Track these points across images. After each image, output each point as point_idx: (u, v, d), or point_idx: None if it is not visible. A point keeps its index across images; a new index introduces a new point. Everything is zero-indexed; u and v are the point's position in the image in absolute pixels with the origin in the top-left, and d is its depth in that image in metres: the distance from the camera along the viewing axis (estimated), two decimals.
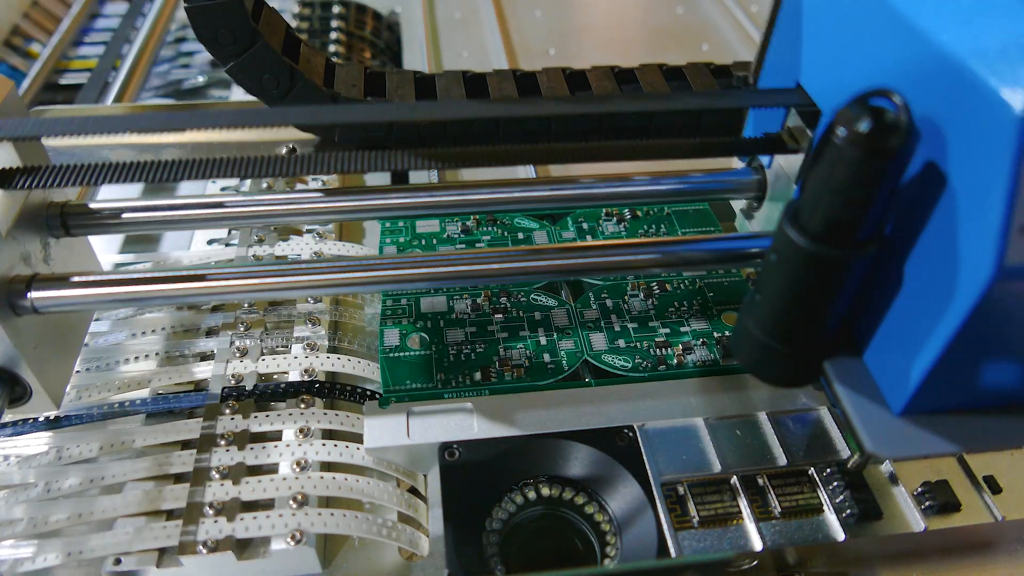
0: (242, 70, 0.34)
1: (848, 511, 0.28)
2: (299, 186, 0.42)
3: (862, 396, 0.24)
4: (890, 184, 0.20)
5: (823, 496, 0.29)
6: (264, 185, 0.41)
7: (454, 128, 0.40)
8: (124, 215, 0.30)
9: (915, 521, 0.28)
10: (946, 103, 0.20)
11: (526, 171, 0.45)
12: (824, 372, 0.25)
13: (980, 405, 0.23)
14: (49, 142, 0.30)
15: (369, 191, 0.32)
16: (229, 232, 0.40)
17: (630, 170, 0.33)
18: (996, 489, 0.30)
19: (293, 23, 0.56)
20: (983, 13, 0.21)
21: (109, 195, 0.40)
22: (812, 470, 0.30)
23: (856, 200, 0.20)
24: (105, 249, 0.39)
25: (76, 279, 0.28)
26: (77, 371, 0.33)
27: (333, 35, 0.55)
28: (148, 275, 0.28)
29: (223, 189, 0.42)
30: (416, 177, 0.44)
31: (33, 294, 0.27)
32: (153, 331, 0.35)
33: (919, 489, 0.29)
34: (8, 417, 0.29)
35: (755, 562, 0.28)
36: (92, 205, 0.30)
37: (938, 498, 0.29)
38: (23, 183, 0.26)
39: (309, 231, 0.40)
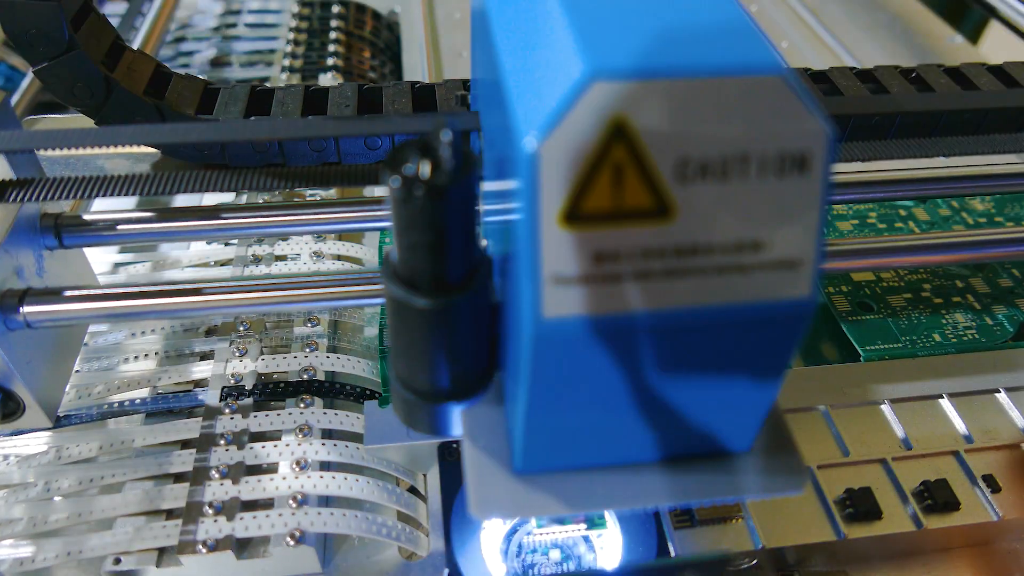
0: (52, 76, 0.32)
1: (848, 509, 0.28)
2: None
3: (484, 452, 0.21)
4: (455, 225, 0.17)
5: (823, 495, 0.29)
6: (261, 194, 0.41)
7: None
8: (119, 227, 0.30)
9: (915, 520, 0.28)
10: (503, 131, 0.17)
11: None
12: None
13: (603, 462, 0.21)
14: (43, 152, 0.30)
15: (369, 201, 0.32)
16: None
17: None
18: (995, 488, 0.30)
19: (292, 23, 0.56)
20: (533, 16, 0.18)
21: (104, 205, 0.40)
22: (812, 468, 0.30)
23: (423, 244, 0.18)
24: (104, 249, 0.39)
25: (70, 293, 0.28)
26: (77, 370, 0.33)
27: (332, 35, 0.55)
28: (143, 289, 0.28)
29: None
30: None
31: (26, 308, 0.27)
32: (153, 331, 0.35)
33: (918, 487, 0.29)
34: (2, 428, 0.29)
35: (754, 561, 0.28)
36: (87, 216, 0.30)
37: (937, 497, 0.29)
38: (16, 196, 0.26)
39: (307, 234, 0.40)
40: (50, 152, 0.30)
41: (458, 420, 0.22)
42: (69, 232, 0.30)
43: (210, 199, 0.40)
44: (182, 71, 0.36)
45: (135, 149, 0.37)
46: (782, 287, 0.17)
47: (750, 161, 0.15)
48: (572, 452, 0.20)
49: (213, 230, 0.31)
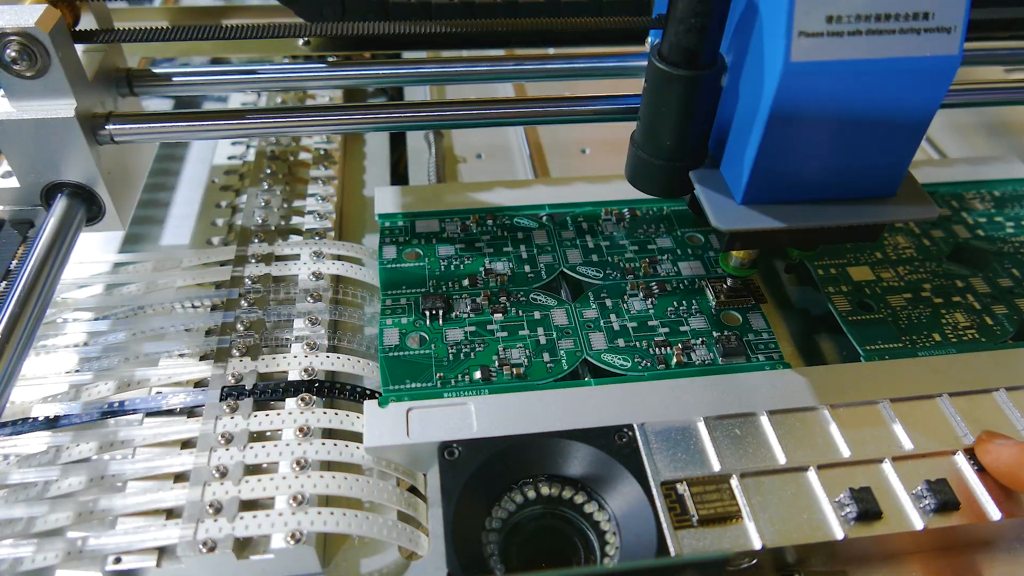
0: None
1: (848, 510, 0.28)
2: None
3: (715, 192, 0.30)
4: (720, 11, 0.27)
5: (823, 495, 0.29)
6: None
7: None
8: (174, 79, 0.38)
9: (915, 520, 0.28)
10: None
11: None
12: (690, 180, 0.31)
13: (803, 197, 0.29)
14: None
15: (377, 107, 0.38)
16: (228, 231, 0.40)
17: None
18: (996, 487, 0.30)
19: None
20: None
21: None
22: (812, 468, 0.30)
23: (694, 27, 0.27)
24: (104, 249, 0.39)
25: (144, 115, 0.35)
26: (78, 370, 0.33)
27: None
28: (197, 112, 0.39)
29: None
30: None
31: (110, 127, 0.34)
32: (153, 330, 0.35)
33: (918, 487, 0.29)
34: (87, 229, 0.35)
35: (754, 561, 0.28)
36: (153, 70, 0.38)
37: (937, 497, 0.29)
38: (102, 39, 0.33)
39: (309, 229, 0.41)
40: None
41: (693, 177, 0.31)
42: (138, 82, 0.37)
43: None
44: None
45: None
46: (942, 46, 0.26)
47: None
48: (777, 189, 0.29)
49: (252, 83, 0.39)
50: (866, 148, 0.28)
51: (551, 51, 0.41)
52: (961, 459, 0.30)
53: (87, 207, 0.34)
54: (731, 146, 0.30)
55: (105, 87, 0.35)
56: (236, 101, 0.51)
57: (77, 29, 0.33)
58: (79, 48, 0.32)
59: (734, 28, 0.28)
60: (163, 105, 0.52)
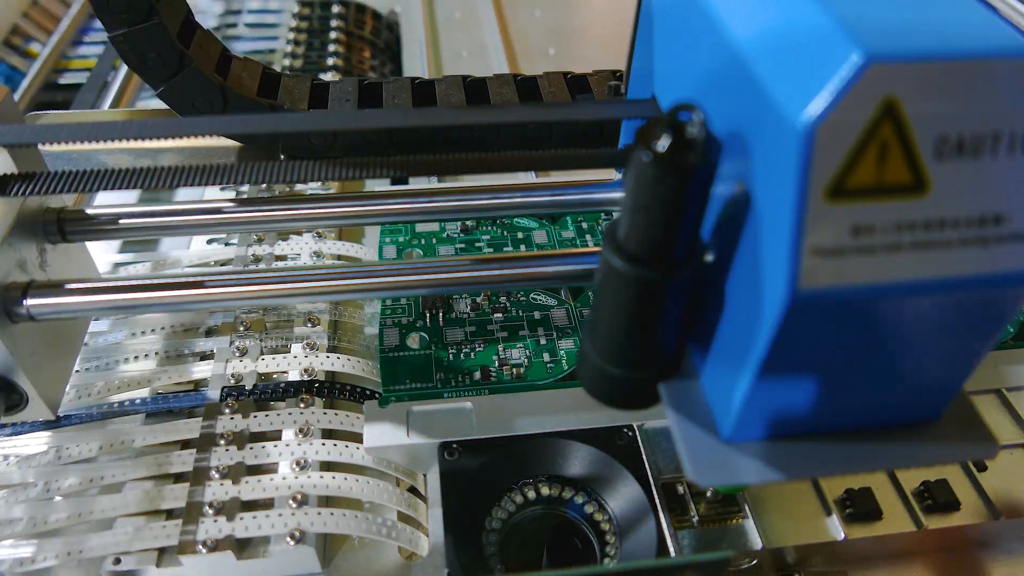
0: (128, 43, 0.32)
1: (848, 509, 0.28)
2: (299, 186, 0.42)
3: (691, 422, 0.22)
4: (695, 202, 0.19)
5: (824, 494, 0.29)
6: (263, 188, 0.41)
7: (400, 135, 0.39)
8: (121, 220, 0.30)
9: (914, 520, 0.28)
10: (746, 112, 0.19)
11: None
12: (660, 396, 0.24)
13: (809, 431, 0.22)
14: (45, 147, 0.30)
15: (368, 196, 0.32)
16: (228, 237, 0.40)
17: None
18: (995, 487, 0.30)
19: (292, 23, 0.56)
20: (775, 6, 0.19)
21: (106, 200, 0.40)
22: None
23: (661, 220, 0.19)
24: (104, 249, 0.39)
25: (72, 286, 0.28)
26: (76, 371, 0.33)
27: (332, 35, 0.55)
28: (145, 282, 0.28)
29: (223, 188, 0.42)
30: (416, 182, 0.43)
31: (29, 301, 0.27)
32: (153, 331, 0.35)
33: (918, 487, 0.29)
34: (6, 419, 0.29)
35: (754, 561, 0.28)
36: (89, 211, 0.30)
37: (937, 497, 0.29)
38: (18, 190, 0.26)
39: (309, 230, 0.40)
40: (52, 147, 0.29)
41: (663, 394, 0.23)
42: (72, 227, 0.30)
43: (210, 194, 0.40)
44: None
45: (140, 144, 0.37)
46: (1017, 260, 0.18)
47: (1001, 139, 0.17)
48: (780, 422, 0.21)
49: (216, 224, 0.31)
50: (902, 378, 0.21)
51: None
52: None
53: (5, 397, 0.28)
54: (714, 359, 0.22)
55: (26, 241, 0.28)
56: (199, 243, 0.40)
57: None
58: None
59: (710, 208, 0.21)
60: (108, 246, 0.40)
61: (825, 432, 0.22)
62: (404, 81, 0.40)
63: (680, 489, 0.29)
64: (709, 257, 0.21)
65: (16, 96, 0.50)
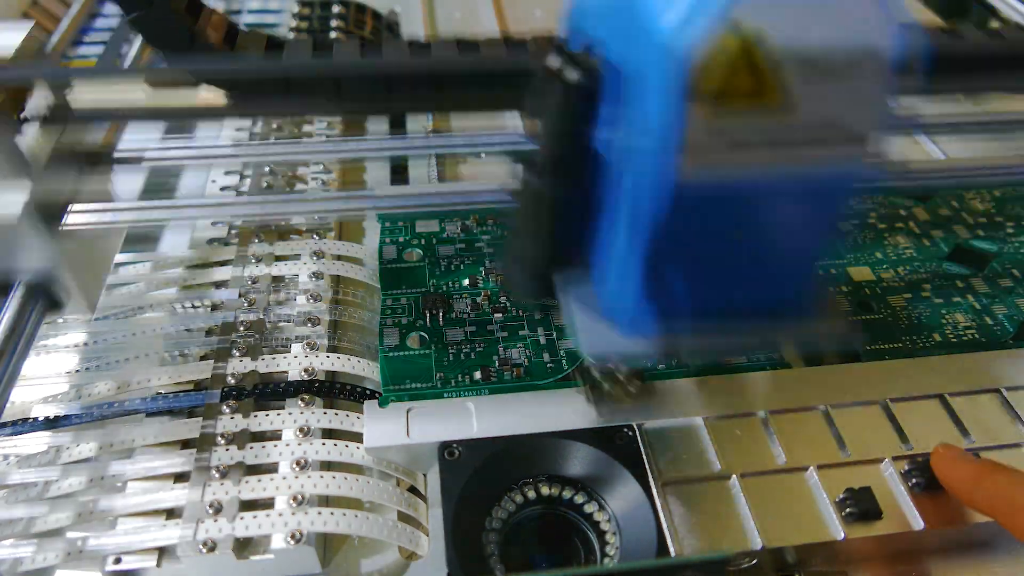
0: (143, 24, 0.33)
1: (848, 509, 0.28)
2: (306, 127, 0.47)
3: (584, 306, 0.27)
4: (588, 115, 0.23)
5: (823, 494, 0.29)
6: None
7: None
8: (145, 155, 0.35)
9: (914, 520, 0.28)
10: (626, 31, 0.22)
11: None
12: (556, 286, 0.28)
13: (691, 311, 0.25)
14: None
15: (371, 137, 0.38)
16: (229, 230, 0.40)
17: None
18: None
19: (292, 23, 0.56)
20: None
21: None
22: (812, 468, 0.30)
23: (555, 132, 0.23)
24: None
25: (103, 204, 0.33)
26: (78, 370, 0.33)
27: (332, 35, 0.55)
28: (167, 204, 0.35)
29: (237, 129, 0.46)
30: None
31: (69, 218, 0.32)
32: (153, 330, 0.35)
33: (914, 480, 0.29)
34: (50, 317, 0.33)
35: (754, 561, 0.28)
36: (117, 151, 0.35)
37: (926, 475, 0.29)
38: (55, 121, 0.31)
39: (309, 231, 0.40)
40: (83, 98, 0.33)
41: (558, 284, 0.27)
42: (101, 160, 0.34)
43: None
44: None
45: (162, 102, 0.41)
46: (850, 158, 0.22)
47: (836, 56, 0.20)
48: (661, 307, 0.25)
49: (230, 156, 0.38)
50: (765, 267, 0.25)
51: None
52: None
53: (47, 298, 0.31)
54: (605, 252, 0.26)
55: (63, 170, 0.32)
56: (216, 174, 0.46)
57: (23, 115, 0.30)
58: (32, 129, 0.30)
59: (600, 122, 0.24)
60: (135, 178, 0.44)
61: (703, 314, 0.25)
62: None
63: (680, 489, 0.29)
64: (602, 164, 0.24)
65: None
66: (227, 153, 0.38)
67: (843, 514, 0.29)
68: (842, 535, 0.28)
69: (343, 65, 0.31)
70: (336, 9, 0.58)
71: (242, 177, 0.44)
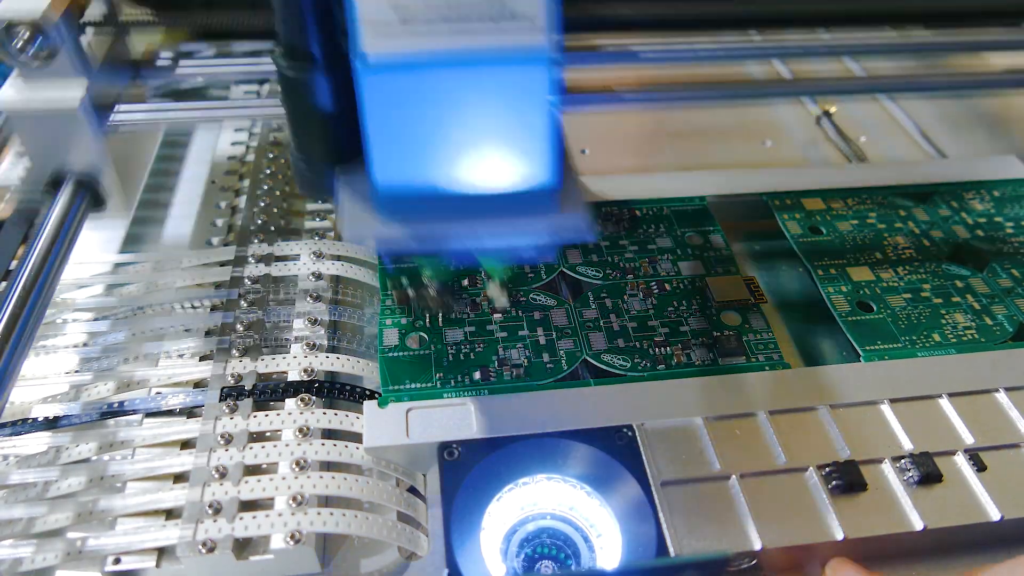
0: None
1: (834, 482, 0.29)
2: None
3: (356, 198, 0.26)
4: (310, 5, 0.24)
5: (823, 495, 0.29)
6: None
7: None
8: (180, 67, 0.39)
9: (914, 520, 0.28)
10: None
11: None
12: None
13: (449, 210, 0.26)
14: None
15: None
16: (228, 232, 0.40)
17: None
18: (996, 487, 0.30)
19: None
20: None
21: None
22: (812, 468, 0.30)
23: (286, 17, 0.24)
24: (104, 249, 0.39)
25: (150, 103, 0.37)
26: (77, 370, 0.33)
27: None
28: (198, 106, 0.39)
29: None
30: None
31: (117, 114, 0.35)
32: (152, 331, 0.35)
33: (904, 462, 0.30)
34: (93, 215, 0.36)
35: (754, 561, 0.28)
36: (160, 58, 0.39)
37: (921, 468, 0.29)
38: (110, 25, 0.35)
39: (309, 231, 0.40)
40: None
41: (341, 179, 0.27)
42: (144, 70, 0.38)
43: None
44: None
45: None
46: (521, 38, 0.22)
47: None
48: (412, 186, 0.25)
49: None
50: (491, 156, 0.25)
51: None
52: (961, 460, 0.30)
53: (92, 195, 0.35)
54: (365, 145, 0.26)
55: (112, 74, 0.36)
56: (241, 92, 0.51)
57: (83, 20, 0.34)
58: (87, 34, 0.34)
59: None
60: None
61: (458, 211, 0.26)
62: None
63: (680, 489, 0.29)
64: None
65: None
66: (254, 70, 0.40)
67: (828, 487, 0.29)
68: (842, 535, 0.28)
69: None
70: None
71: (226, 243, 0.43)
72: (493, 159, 0.25)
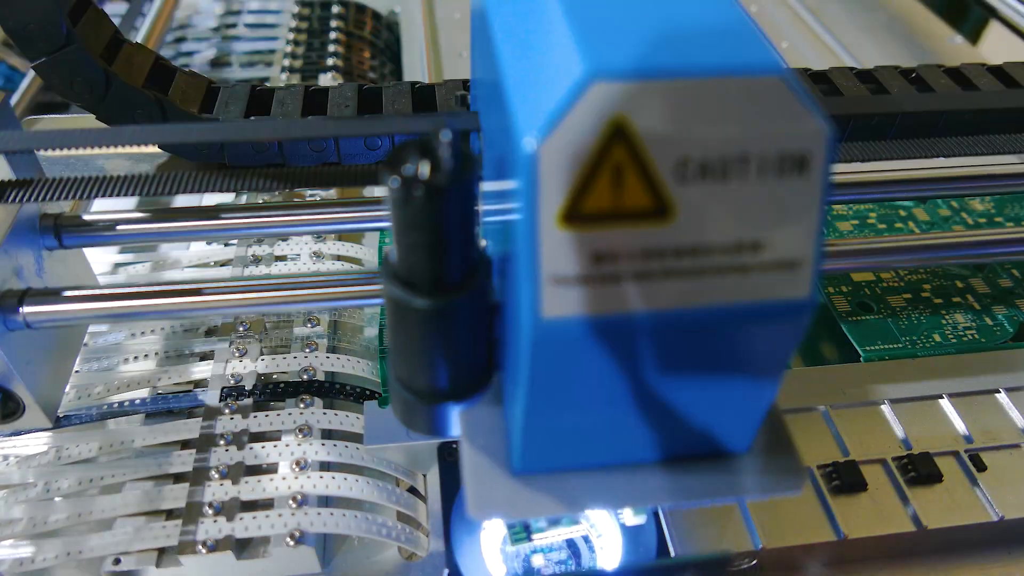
0: (50, 71, 0.30)
1: (834, 482, 0.29)
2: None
3: (483, 452, 0.21)
4: (455, 224, 0.17)
5: (823, 495, 0.29)
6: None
7: None
8: (119, 227, 0.30)
9: (914, 520, 0.28)
10: (504, 131, 0.17)
11: None
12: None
13: (604, 463, 0.21)
14: (42, 152, 0.30)
15: (369, 201, 0.32)
16: None
17: None
18: (996, 488, 0.30)
19: (292, 23, 0.56)
20: (535, 16, 0.18)
21: (104, 205, 0.40)
22: (812, 469, 0.30)
23: (422, 244, 0.18)
24: (103, 250, 0.39)
25: (69, 294, 0.28)
26: (77, 371, 0.33)
27: (332, 35, 0.55)
28: (142, 290, 0.28)
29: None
30: None
31: (25, 309, 0.27)
32: (152, 331, 0.35)
33: (904, 462, 0.30)
34: (2, 428, 0.30)
35: (754, 561, 0.28)
36: (86, 217, 0.30)
37: (921, 469, 0.30)
38: (15, 197, 0.26)
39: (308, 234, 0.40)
40: (50, 152, 0.30)
41: (456, 420, 0.22)
42: (69, 232, 0.30)
43: (210, 199, 0.40)
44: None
45: (135, 149, 0.37)
46: (781, 288, 0.17)
47: (750, 161, 0.15)
48: (571, 453, 0.20)
49: (212, 230, 0.31)
50: (688, 409, 0.20)
51: None
52: (961, 460, 0.30)
53: (1, 405, 0.28)
54: (507, 386, 0.21)
55: (23, 248, 0.28)
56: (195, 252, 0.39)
57: None
58: None
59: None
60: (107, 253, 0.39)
61: (622, 464, 0.21)
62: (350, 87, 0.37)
63: None
64: (496, 281, 0.20)
65: (16, 96, 0.50)
66: (216, 217, 0.31)
67: (828, 487, 0.29)
68: (841, 534, 0.28)
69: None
70: (336, 9, 0.58)
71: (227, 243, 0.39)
72: (697, 417, 0.20)
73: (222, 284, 0.28)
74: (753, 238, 0.16)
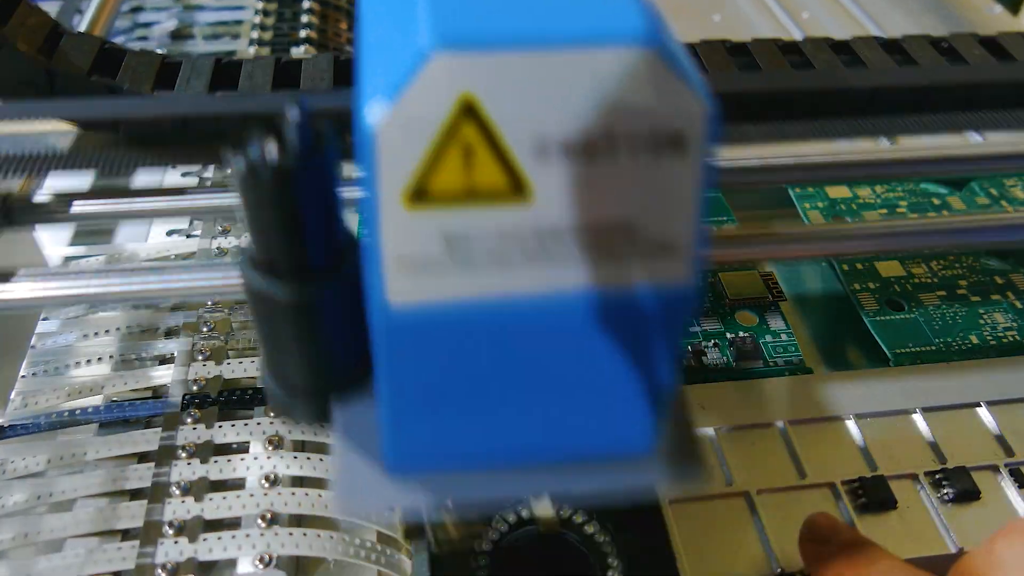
0: None
1: (861, 499, 0.29)
2: None
3: (355, 448, 0.21)
4: (309, 207, 0.18)
5: (847, 511, 0.29)
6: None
7: None
8: (73, 206, 0.30)
9: (949, 542, 0.28)
10: (356, 108, 0.17)
11: None
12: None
13: (489, 462, 0.20)
14: None
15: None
16: (191, 222, 0.40)
17: None
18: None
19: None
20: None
21: (57, 184, 0.40)
22: (835, 484, 0.30)
23: (267, 227, 0.18)
24: (54, 241, 0.39)
25: (21, 274, 0.28)
26: (23, 376, 0.33)
27: (305, 4, 0.54)
28: (99, 269, 0.28)
29: (184, 175, 0.41)
30: None
31: None
32: (107, 331, 0.34)
33: (937, 477, 0.30)
34: None
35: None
36: (38, 197, 0.30)
37: (957, 485, 0.30)
38: None
39: None
40: None
41: (334, 417, 0.22)
42: (19, 212, 0.30)
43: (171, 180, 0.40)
44: (139, 45, 0.36)
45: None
46: (657, 273, 0.17)
47: (617, 140, 0.15)
48: (453, 453, 0.20)
49: (175, 212, 0.32)
50: (566, 401, 0.19)
51: None
52: (1001, 475, 0.30)
53: None
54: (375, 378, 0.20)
55: None
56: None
57: None
58: None
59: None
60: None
61: (510, 464, 0.20)
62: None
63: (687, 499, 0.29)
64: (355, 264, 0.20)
65: None
66: (178, 197, 0.33)
67: (854, 505, 0.29)
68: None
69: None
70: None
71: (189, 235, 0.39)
72: (576, 414, 0.20)
73: (186, 263, 0.29)
74: (624, 220, 0.16)
